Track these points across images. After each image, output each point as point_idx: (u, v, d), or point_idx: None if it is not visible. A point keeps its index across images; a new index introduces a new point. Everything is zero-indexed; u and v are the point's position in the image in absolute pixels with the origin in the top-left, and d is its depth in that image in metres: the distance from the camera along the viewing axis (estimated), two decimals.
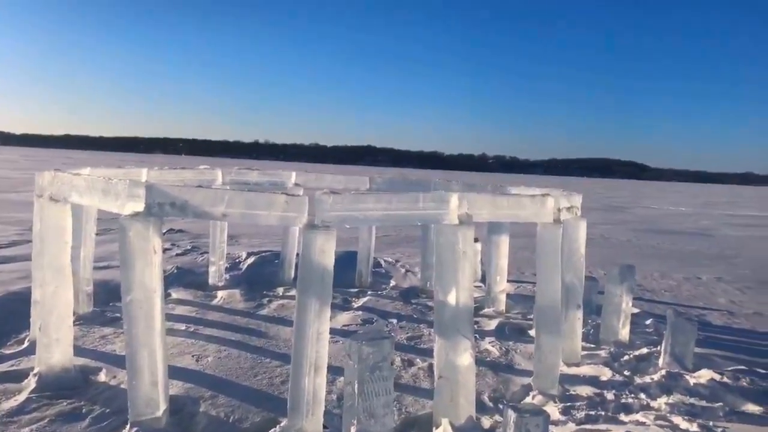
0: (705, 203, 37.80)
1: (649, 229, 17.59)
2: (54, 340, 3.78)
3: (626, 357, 4.72)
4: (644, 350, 4.87)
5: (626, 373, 4.40)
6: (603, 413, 3.62)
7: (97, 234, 5.62)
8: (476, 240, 6.62)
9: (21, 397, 3.53)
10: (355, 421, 2.39)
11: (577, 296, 4.70)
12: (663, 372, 4.28)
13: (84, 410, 3.44)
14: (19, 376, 3.84)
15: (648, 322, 5.90)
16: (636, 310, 5.99)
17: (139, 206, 3.09)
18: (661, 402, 3.78)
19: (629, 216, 22.93)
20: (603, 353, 4.82)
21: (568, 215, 4.37)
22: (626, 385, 4.13)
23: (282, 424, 3.19)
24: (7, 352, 4.31)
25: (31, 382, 3.70)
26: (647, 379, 4.23)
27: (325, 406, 3.18)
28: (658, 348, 4.78)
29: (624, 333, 5.17)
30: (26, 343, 4.40)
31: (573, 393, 4.00)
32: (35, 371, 3.78)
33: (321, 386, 3.11)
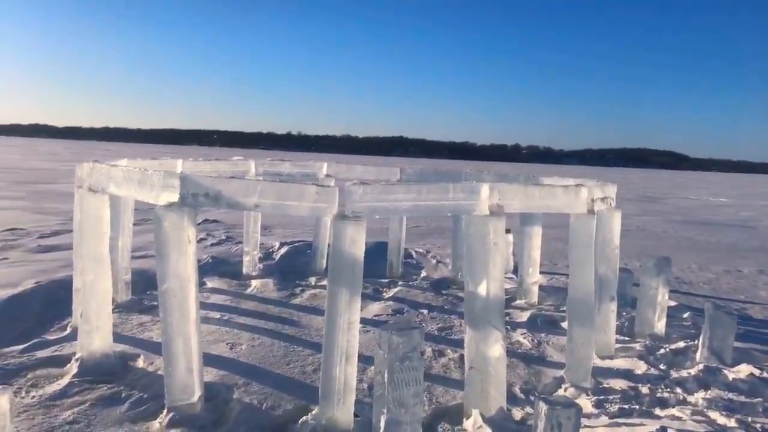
0: (746, 194, 36.65)
1: (687, 220, 17.15)
2: (94, 327, 3.90)
3: (662, 350, 4.63)
4: (681, 344, 4.76)
5: (662, 366, 4.32)
6: (637, 407, 3.57)
7: (134, 224, 5.76)
8: (508, 231, 6.57)
9: (64, 381, 3.67)
10: (385, 410, 2.41)
11: (611, 288, 4.62)
12: (700, 366, 4.19)
13: (123, 395, 3.54)
14: (62, 361, 3.98)
15: (685, 315, 5.77)
16: (673, 303, 5.86)
17: (174, 197, 3.15)
18: (699, 397, 3.70)
19: (666, 207, 22.40)
20: (638, 346, 4.74)
21: (602, 206, 4.29)
22: (662, 379, 4.05)
23: (314, 412, 3.24)
24: (51, 337, 4.46)
25: (73, 367, 3.83)
26: (684, 373, 4.14)
27: (356, 395, 3.21)
28: (696, 342, 4.68)
29: (660, 326, 5.07)
30: (68, 330, 4.56)
31: (606, 386, 3.95)
32: (77, 356, 3.90)
33: (352, 375, 3.14)
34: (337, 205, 3.18)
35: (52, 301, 5.21)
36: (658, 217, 17.44)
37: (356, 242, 3.13)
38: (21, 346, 4.22)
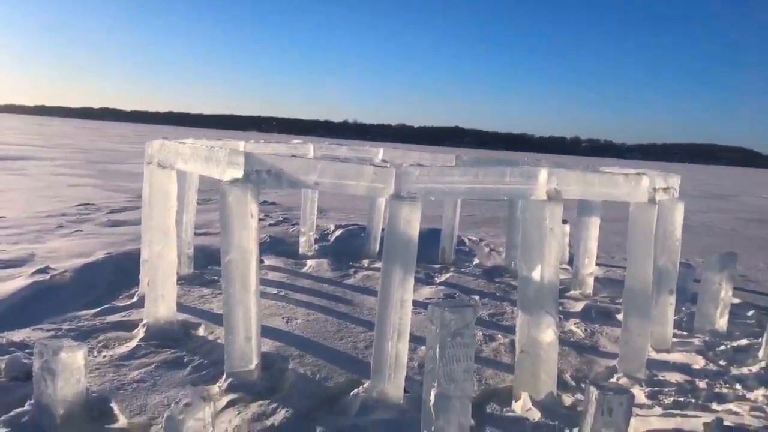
0: None
1: (758, 218, 16.35)
2: (160, 296, 4.12)
3: (722, 347, 4.49)
4: (743, 341, 4.61)
5: (722, 362, 4.19)
6: (693, 401, 3.49)
7: (197, 203, 6.01)
8: (565, 222, 6.47)
9: (132, 344, 3.90)
10: (436, 384, 2.46)
11: (671, 281, 4.50)
12: (763, 364, 4.05)
13: (185, 360, 3.74)
14: (130, 325, 4.23)
15: (750, 313, 5.55)
16: (737, 301, 5.64)
17: (238, 173, 3.29)
18: (759, 394, 3.58)
19: (735, 204, 21.40)
20: (696, 341, 4.61)
21: (665, 196, 4.18)
22: (721, 375, 3.94)
23: (365, 385, 3.33)
24: (120, 304, 4.74)
25: (140, 332, 4.07)
26: (745, 370, 4.01)
27: (407, 372, 3.28)
28: (759, 340, 4.51)
29: (721, 323, 4.91)
30: (136, 298, 4.82)
31: (661, 378, 3.87)
32: (144, 322, 4.14)
33: (403, 351, 3.21)
34: (393, 185, 3.23)
35: (122, 272, 5.51)
36: (726, 215, 16.70)
37: (411, 222, 3.18)
38: (93, 311, 4.51)
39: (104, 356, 3.71)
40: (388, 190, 3.25)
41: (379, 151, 7.31)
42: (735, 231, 13.04)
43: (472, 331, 2.52)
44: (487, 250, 8.04)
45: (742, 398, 3.56)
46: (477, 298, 5.67)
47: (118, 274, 5.48)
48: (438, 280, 6.25)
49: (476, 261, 7.38)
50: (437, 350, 2.48)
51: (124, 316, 4.44)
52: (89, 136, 44.09)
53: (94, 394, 3.11)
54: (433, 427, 2.48)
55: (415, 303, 4.18)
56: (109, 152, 26.21)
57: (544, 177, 3.38)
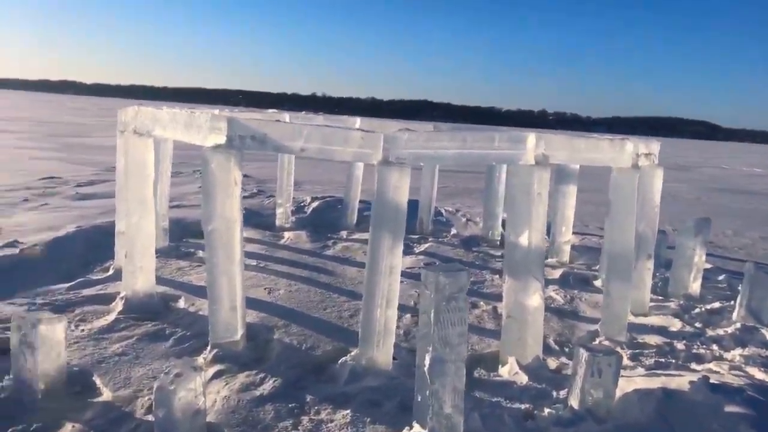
0: None
1: (721, 188, 16.81)
2: (138, 268, 4.00)
3: (697, 310, 4.61)
4: (716, 304, 4.73)
5: (697, 325, 4.30)
6: (673, 361, 3.58)
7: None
8: None
9: (110, 317, 3.80)
10: (431, 349, 2.45)
11: (649, 246, 4.58)
12: (737, 325, 4.16)
13: (167, 332, 3.66)
14: (108, 299, 4.11)
15: (720, 277, 5.71)
16: (708, 266, 5.78)
17: (221, 139, 3.17)
18: (735, 354, 3.69)
19: (698, 175, 21.94)
20: (672, 305, 4.72)
21: (646, 162, 4.22)
22: (698, 337, 4.04)
23: (353, 353, 3.30)
24: (95, 278, 4.60)
25: (118, 305, 3.96)
26: (720, 331, 4.13)
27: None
28: (732, 303, 4.64)
29: (695, 287, 5.03)
30: (111, 271, 4.69)
31: (641, 341, 3.96)
32: (122, 295, 4.03)
33: (392, 318, 3.20)
34: (381, 151, 3.17)
35: (94, 245, 5.35)
36: (691, 185, 17.11)
37: (400, 189, 3.14)
38: (67, 284, 4.37)
39: (82, 330, 3.61)
40: (376, 155, 3.18)
41: (356, 121, 7.20)
42: (699, 200, 13.38)
43: (466, 295, 2.51)
44: (464, 220, 8.07)
45: (719, 358, 3.66)
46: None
47: (90, 247, 5.32)
48: (417, 250, 6.24)
49: (453, 231, 7.39)
50: (432, 315, 2.46)
51: (101, 290, 4.31)
52: (47, 110, 42.51)
53: (75, 369, 3.03)
54: (428, 392, 2.47)
55: None
56: (71, 125, 25.34)
57: (532, 142, 3.36)
